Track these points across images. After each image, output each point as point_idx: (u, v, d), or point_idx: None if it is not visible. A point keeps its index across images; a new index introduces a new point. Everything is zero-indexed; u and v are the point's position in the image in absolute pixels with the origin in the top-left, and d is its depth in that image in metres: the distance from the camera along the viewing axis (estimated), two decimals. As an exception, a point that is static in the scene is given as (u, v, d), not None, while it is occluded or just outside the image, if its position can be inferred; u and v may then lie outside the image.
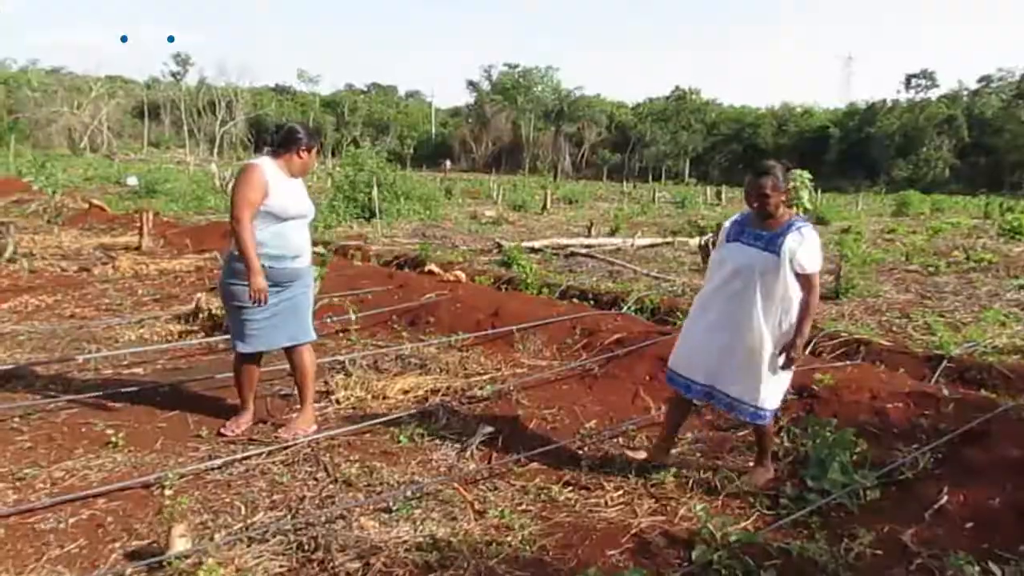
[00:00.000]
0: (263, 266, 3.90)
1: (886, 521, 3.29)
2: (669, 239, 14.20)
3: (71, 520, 3.21)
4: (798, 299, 3.43)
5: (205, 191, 20.59)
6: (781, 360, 3.47)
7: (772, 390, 3.55)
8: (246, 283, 3.90)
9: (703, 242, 11.14)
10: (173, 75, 71.22)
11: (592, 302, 7.93)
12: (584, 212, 22.33)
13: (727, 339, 3.52)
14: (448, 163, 55.30)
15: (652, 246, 13.40)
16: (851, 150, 59.08)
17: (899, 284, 9.46)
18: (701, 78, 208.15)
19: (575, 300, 8.04)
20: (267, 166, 3.99)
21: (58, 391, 4.79)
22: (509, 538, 3.10)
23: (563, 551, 3.04)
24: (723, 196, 33.33)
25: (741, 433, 4.32)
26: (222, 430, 4.24)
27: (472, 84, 76.15)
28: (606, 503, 3.48)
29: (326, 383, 5.04)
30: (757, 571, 2.86)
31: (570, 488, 3.63)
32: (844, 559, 3.00)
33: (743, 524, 3.25)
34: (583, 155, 69.75)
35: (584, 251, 12.11)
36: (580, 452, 4.09)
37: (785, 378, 3.62)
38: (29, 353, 5.64)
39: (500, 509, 3.37)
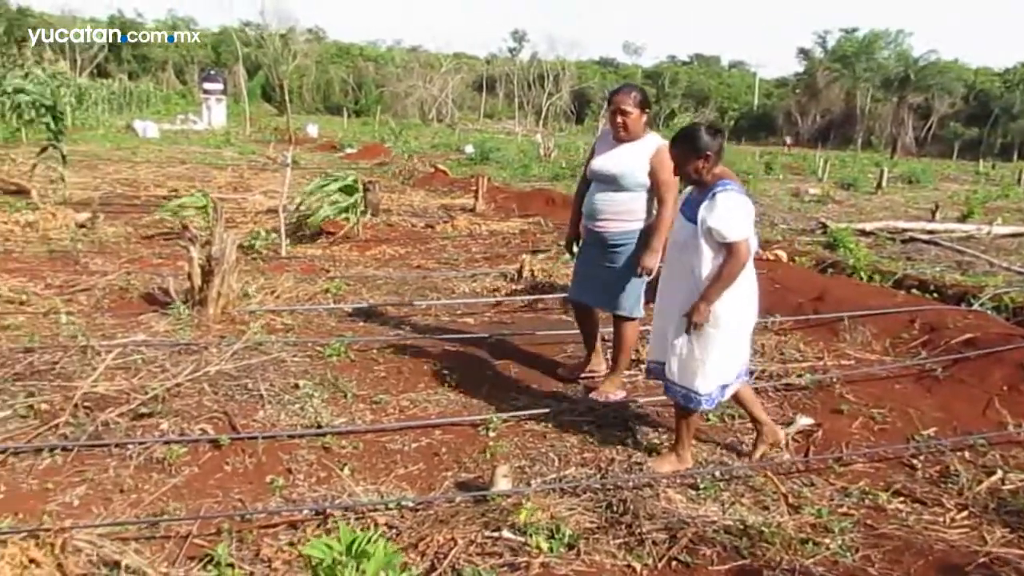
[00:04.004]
0: (583, 223, 4.35)
1: None
2: (1039, 229, 12.01)
3: (413, 445, 3.65)
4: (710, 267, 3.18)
5: (530, 160, 21.89)
6: (686, 327, 3.21)
7: (703, 372, 3.26)
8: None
9: (1089, 235, 9.24)
10: (510, 51, 76.54)
11: (934, 295, 7.01)
12: (927, 193, 19.75)
13: (666, 317, 3.38)
14: (789, 139, 52.25)
15: (1015, 235, 11.44)
16: None
17: None
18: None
19: (913, 291, 7.17)
20: (601, 133, 4.30)
21: (406, 330, 5.46)
22: (827, 540, 2.88)
23: (890, 566, 2.74)
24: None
25: None
26: (560, 371, 4.69)
27: (803, 52, 71.11)
28: (946, 523, 3.06)
29: (637, 351, 5.09)
30: None
31: (901, 499, 3.26)
32: None
33: None
34: (929, 129, 61.65)
35: (926, 237, 10.73)
36: (915, 461, 3.65)
37: (722, 359, 3.28)
38: (385, 295, 6.50)
39: (817, 508, 3.14)
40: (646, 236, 4.10)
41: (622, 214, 4.12)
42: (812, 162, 28.82)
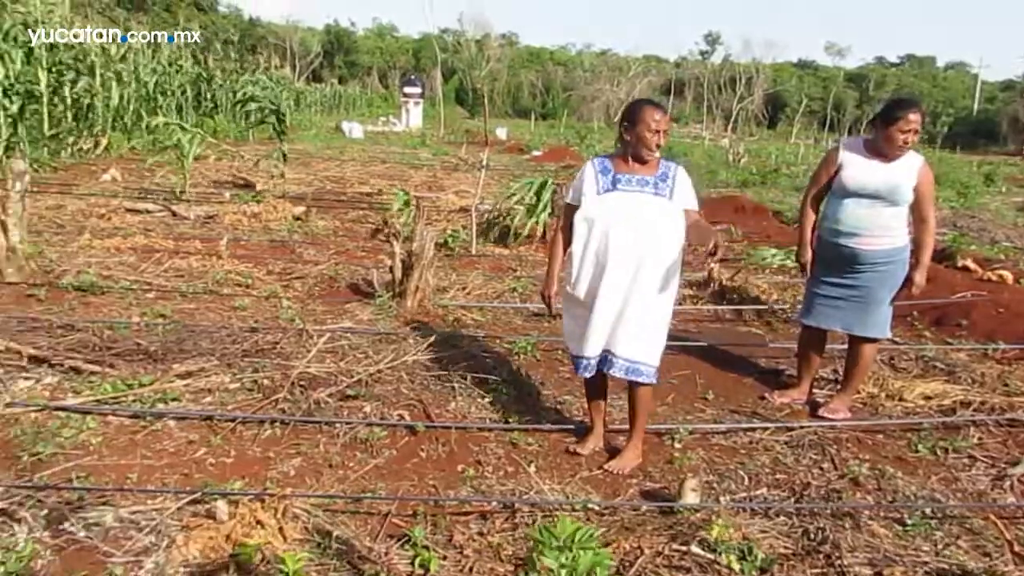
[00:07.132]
0: (823, 239, 4.10)
1: None
2: None
3: (598, 448, 3.65)
4: (682, 240, 3.29)
5: (718, 165, 21.24)
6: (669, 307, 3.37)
7: (660, 343, 3.42)
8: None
9: None
10: (701, 54, 74.67)
11: None
12: None
13: (625, 298, 3.26)
14: None
15: None
16: None
17: None
18: None
19: None
20: (843, 145, 4.08)
21: (590, 334, 5.47)
22: (1063, 600, 2.56)
23: None
24: None
25: None
26: (767, 394, 4.44)
27: (1038, 50, 63.32)
28: None
29: (835, 371, 4.80)
30: None
31: None
32: None
33: None
34: None
35: None
36: None
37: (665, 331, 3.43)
38: (569, 298, 6.56)
39: (1051, 562, 2.79)
40: (916, 252, 3.98)
41: (890, 229, 3.92)
42: (1043, 173, 25.65)
